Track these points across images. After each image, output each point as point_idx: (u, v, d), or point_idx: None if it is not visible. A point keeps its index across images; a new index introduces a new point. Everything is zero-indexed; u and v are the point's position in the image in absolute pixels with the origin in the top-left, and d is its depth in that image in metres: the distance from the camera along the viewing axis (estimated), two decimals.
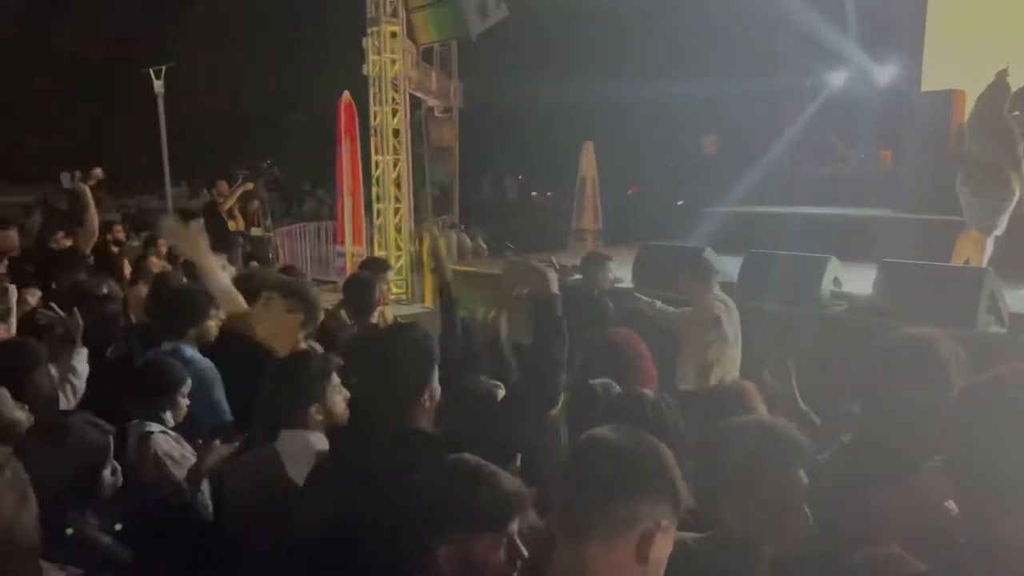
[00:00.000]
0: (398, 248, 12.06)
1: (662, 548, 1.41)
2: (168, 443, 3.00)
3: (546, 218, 17.15)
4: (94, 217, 5.55)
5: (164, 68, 15.16)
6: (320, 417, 2.65)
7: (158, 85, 15.15)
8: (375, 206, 12.13)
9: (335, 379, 2.72)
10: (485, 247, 14.83)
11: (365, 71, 11.80)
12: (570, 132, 16.04)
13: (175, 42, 23.01)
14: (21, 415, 2.63)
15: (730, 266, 7.12)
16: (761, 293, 6.64)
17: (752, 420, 2.05)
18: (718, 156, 16.50)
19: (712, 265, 5.42)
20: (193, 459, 2.96)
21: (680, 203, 16.86)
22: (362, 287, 4.45)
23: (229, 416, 3.44)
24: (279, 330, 3.07)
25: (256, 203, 10.95)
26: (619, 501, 1.40)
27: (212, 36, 27.75)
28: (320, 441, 2.58)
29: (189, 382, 3.24)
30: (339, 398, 2.71)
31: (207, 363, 3.57)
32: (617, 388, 2.78)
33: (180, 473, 2.92)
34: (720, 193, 12.57)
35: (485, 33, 12.54)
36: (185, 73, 17.38)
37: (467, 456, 1.80)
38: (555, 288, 2.39)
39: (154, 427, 3.03)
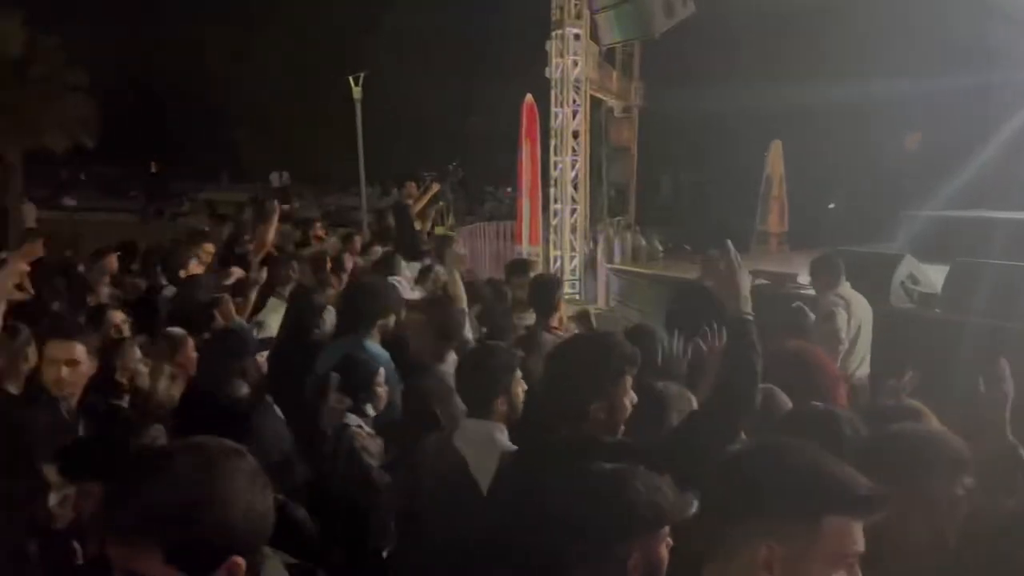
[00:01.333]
0: (572, 249, 12.15)
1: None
2: (363, 437, 3.18)
3: (726, 219, 16.60)
4: (268, 230, 5.86)
5: (362, 75, 16.14)
6: (504, 408, 2.70)
7: (356, 91, 16.15)
8: (552, 207, 12.29)
9: (519, 372, 2.79)
10: (661, 248, 14.59)
11: (547, 74, 11.98)
12: (755, 132, 15.44)
13: (372, 50, 24.50)
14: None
15: (933, 275, 6.57)
16: (969, 306, 6.08)
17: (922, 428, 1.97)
18: (920, 157, 15.25)
19: (839, 267, 5.15)
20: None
21: (831, 206, 15.70)
22: (546, 288, 4.51)
23: (399, 411, 3.57)
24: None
25: (441, 203, 11.43)
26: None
27: (403, 44, 29.28)
28: (501, 433, 2.65)
29: (383, 371, 3.38)
30: (520, 391, 2.78)
31: (386, 356, 3.70)
32: (784, 398, 2.65)
33: (374, 465, 3.09)
34: (922, 196, 11.61)
35: (669, 31, 12.34)
36: (381, 79, 18.40)
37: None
38: (747, 306, 2.28)
39: (352, 420, 3.20)
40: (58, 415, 3.27)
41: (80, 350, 3.23)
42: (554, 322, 4.41)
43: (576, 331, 4.58)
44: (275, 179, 29.64)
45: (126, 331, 4.14)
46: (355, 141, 16.68)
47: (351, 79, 16.38)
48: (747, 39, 19.73)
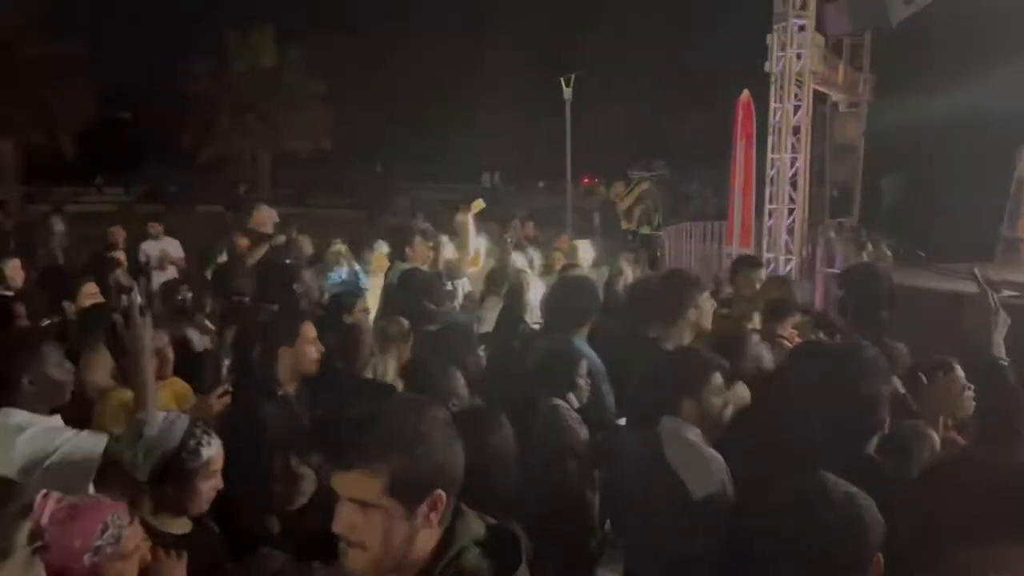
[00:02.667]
0: (788, 251, 11.54)
1: None
2: (573, 417, 3.26)
3: (966, 223, 14.98)
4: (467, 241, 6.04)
5: (573, 76, 16.33)
6: (693, 411, 2.73)
7: (567, 92, 16.37)
8: (766, 207, 11.74)
9: (716, 380, 2.77)
10: (889, 254, 13.45)
11: (767, 67, 11.45)
12: (1000, 131, 13.78)
13: (583, 50, 24.74)
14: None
15: None
16: None
17: None
18: None
19: None
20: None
21: None
22: (783, 289, 4.33)
23: (612, 407, 3.61)
24: None
25: (648, 202, 11.31)
26: None
27: (614, 43, 29.27)
28: (693, 434, 2.68)
29: (585, 363, 3.46)
30: (717, 400, 2.76)
31: (592, 353, 3.75)
32: None
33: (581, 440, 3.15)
34: None
35: (906, 21, 11.35)
36: (591, 78, 18.52)
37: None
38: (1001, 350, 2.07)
39: (562, 409, 3.27)
40: (290, 406, 3.54)
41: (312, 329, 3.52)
42: (784, 330, 4.15)
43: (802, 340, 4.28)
44: (486, 179, 30.81)
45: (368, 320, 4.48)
46: (563, 141, 16.98)
47: (562, 80, 16.68)
48: (992, 30, 17.67)
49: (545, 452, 3.02)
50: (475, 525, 1.53)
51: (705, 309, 3.88)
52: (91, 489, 2.67)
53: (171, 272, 8.82)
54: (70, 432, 2.65)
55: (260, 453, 2.75)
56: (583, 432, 3.20)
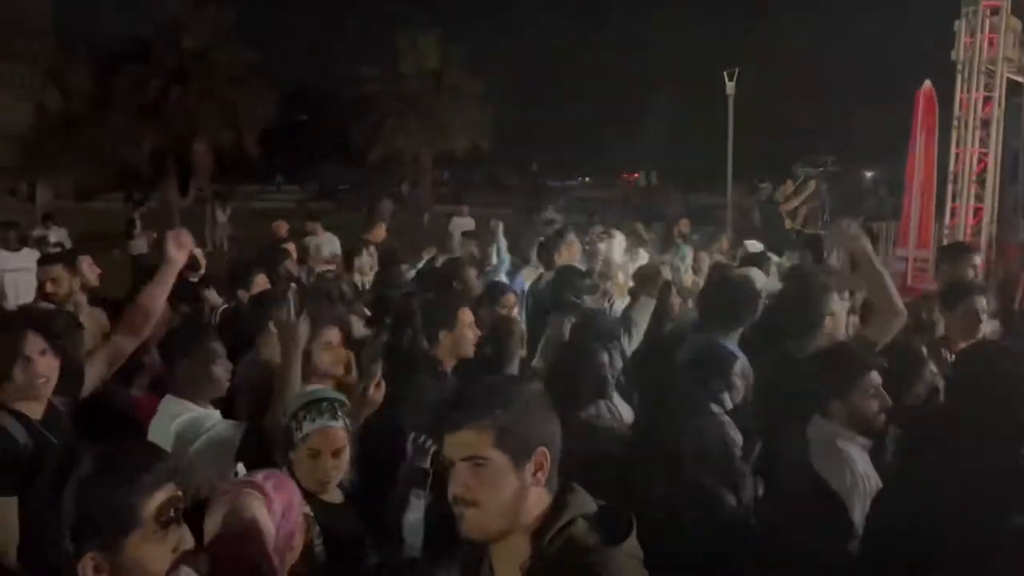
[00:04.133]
0: None
1: None
2: (729, 425, 3.13)
3: None
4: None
5: (736, 70, 15.78)
6: (842, 412, 2.68)
7: (730, 87, 15.84)
8: (948, 206, 10.83)
9: (870, 380, 2.70)
10: None
11: (953, 56, 10.55)
12: None
13: (747, 44, 23.84)
14: None
15: None
16: None
17: None
18: None
19: None
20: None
21: None
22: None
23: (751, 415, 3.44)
24: None
25: (816, 202, 10.73)
26: None
27: (782, 35, 28.00)
28: (837, 436, 2.64)
29: (740, 363, 3.32)
30: (872, 402, 2.69)
31: (744, 359, 3.56)
32: None
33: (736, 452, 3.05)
34: None
35: None
36: (755, 72, 17.85)
37: None
38: None
39: (715, 408, 3.17)
40: (441, 379, 3.70)
41: (470, 316, 3.69)
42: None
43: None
44: (642, 178, 30.41)
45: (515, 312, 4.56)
46: (725, 138, 16.44)
47: (725, 74, 16.16)
48: None
49: (698, 454, 2.94)
50: (587, 501, 1.60)
51: (838, 314, 3.65)
52: (241, 470, 2.89)
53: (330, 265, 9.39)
54: (215, 420, 2.92)
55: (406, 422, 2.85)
56: (736, 435, 3.08)
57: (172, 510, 1.49)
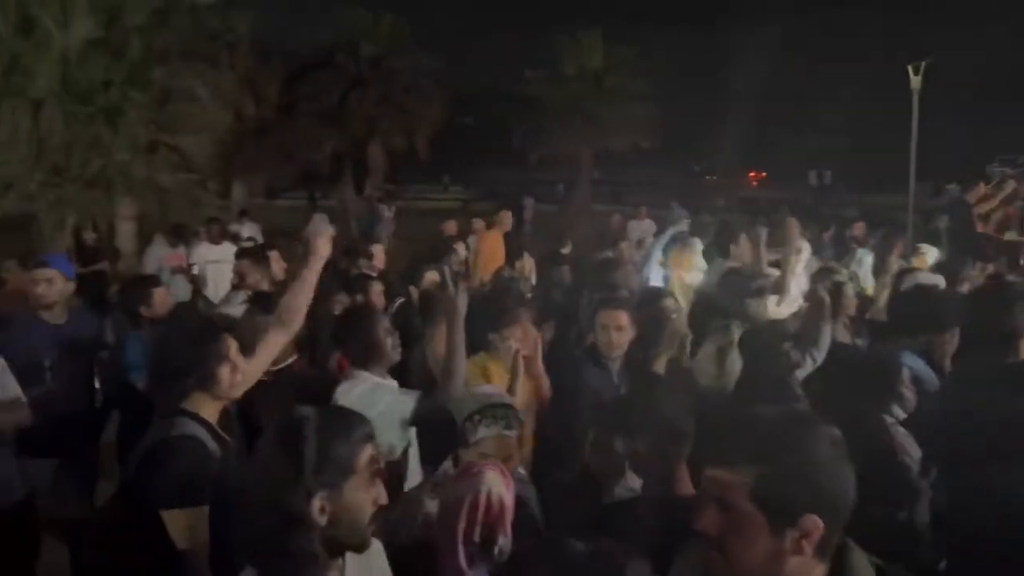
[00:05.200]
0: None
1: None
2: (903, 435, 3.02)
3: None
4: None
5: (923, 63, 14.71)
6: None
7: (915, 80, 14.79)
8: None
9: None
10: None
11: None
12: None
13: (933, 36, 22.10)
14: None
15: None
16: None
17: None
18: None
19: None
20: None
21: None
22: None
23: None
24: None
25: (1019, 203, 9.81)
26: None
27: (974, 23, 25.72)
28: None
29: (907, 372, 3.24)
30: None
31: (928, 370, 3.48)
32: None
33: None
34: None
35: None
36: (943, 64, 16.54)
37: None
38: None
39: (888, 419, 3.12)
40: (608, 376, 3.77)
41: (625, 318, 3.74)
42: None
43: None
44: (813, 177, 28.92)
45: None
46: (907, 136, 15.34)
47: (910, 68, 15.07)
48: None
49: (874, 466, 2.83)
50: (865, 567, 1.39)
51: None
52: (413, 438, 3.11)
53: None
54: (391, 391, 3.16)
55: (579, 418, 2.93)
56: (912, 447, 2.94)
57: (376, 465, 1.72)
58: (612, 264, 5.75)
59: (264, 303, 4.16)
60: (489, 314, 3.80)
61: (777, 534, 1.33)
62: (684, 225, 6.61)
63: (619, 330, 3.71)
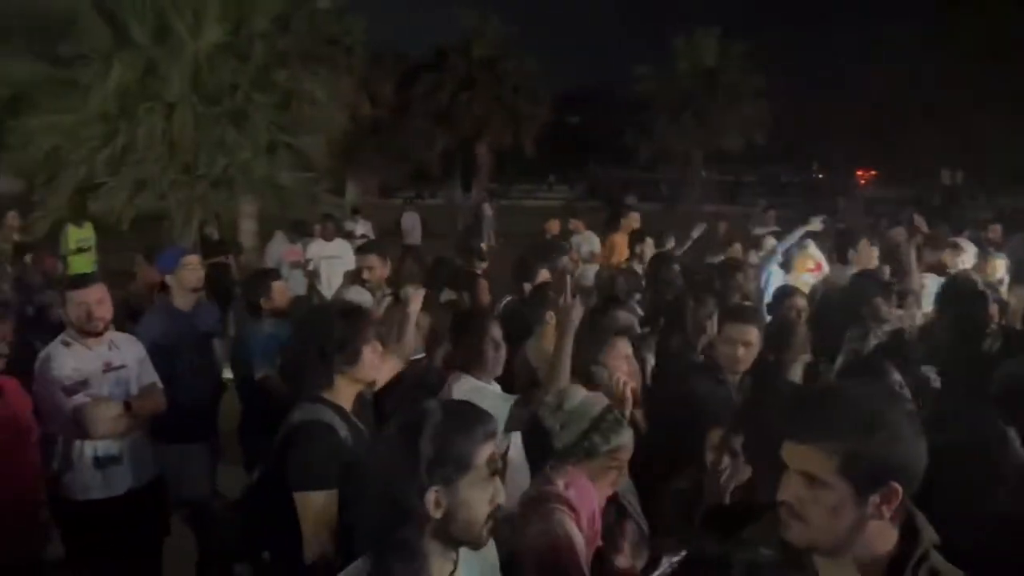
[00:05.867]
0: None
1: None
2: None
3: None
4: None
5: None
6: None
7: None
8: None
9: None
10: None
11: None
12: None
13: None
14: None
15: None
16: None
17: None
18: None
19: None
20: None
21: None
22: None
23: None
24: None
25: None
26: None
27: None
28: None
29: None
30: None
31: None
32: None
33: None
34: None
35: None
36: None
37: None
38: None
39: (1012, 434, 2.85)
40: (726, 389, 3.60)
41: (755, 334, 3.55)
42: None
43: None
44: (946, 177, 27.27)
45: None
46: None
47: None
48: None
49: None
50: (930, 528, 1.50)
51: None
52: (515, 440, 3.06)
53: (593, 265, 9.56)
54: (492, 394, 3.13)
55: (695, 426, 2.82)
56: None
57: (495, 464, 1.71)
58: (731, 267, 5.53)
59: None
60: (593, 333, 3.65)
61: (861, 501, 1.42)
62: (818, 225, 6.31)
63: (747, 346, 3.51)
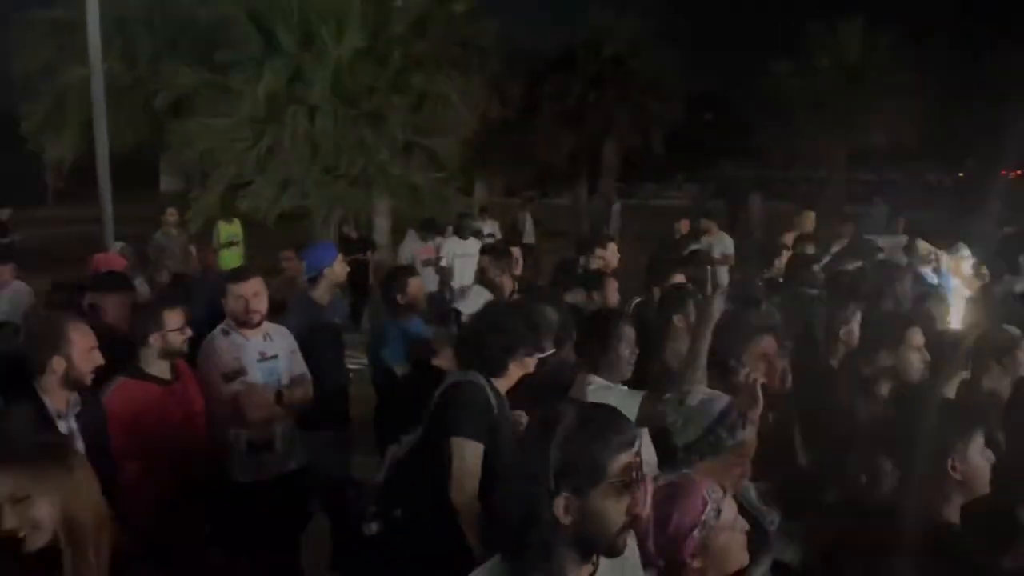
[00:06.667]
0: None
1: None
2: None
3: None
4: None
5: None
6: None
7: None
8: None
9: None
10: None
11: None
12: None
13: None
14: None
15: None
16: None
17: None
18: None
19: None
20: None
21: None
22: None
23: None
24: None
25: None
26: None
27: None
28: None
29: None
30: None
31: None
32: None
33: None
34: None
35: None
36: None
37: None
38: None
39: None
40: (876, 405, 3.44)
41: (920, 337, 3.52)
42: None
43: None
44: None
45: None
46: None
47: None
48: None
49: None
50: None
51: None
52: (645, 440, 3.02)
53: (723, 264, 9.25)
54: (618, 392, 3.16)
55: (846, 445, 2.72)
56: None
57: (632, 473, 1.64)
58: (891, 272, 5.23)
59: None
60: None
61: None
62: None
63: (917, 351, 3.44)
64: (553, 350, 3.68)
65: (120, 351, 3.49)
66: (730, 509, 2.01)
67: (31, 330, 3.20)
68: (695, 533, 1.92)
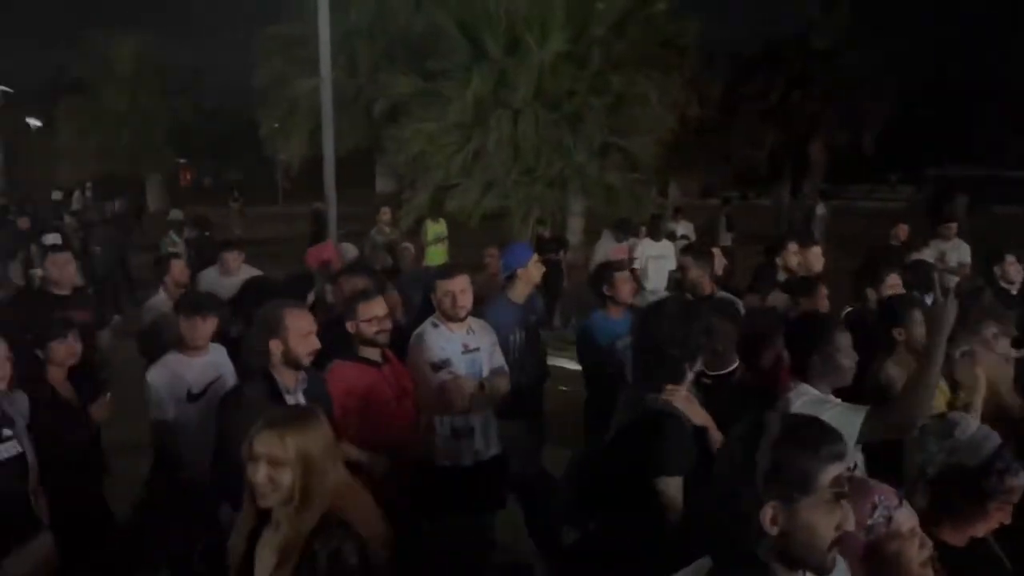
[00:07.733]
0: None
1: None
2: None
3: None
4: None
5: None
6: None
7: None
8: None
9: None
10: None
11: None
12: None
13: None
14: None
15: None
16: None
17: None
18: None
19: None
20: None
21: None
22: None
23: None
24: None
25: None
26: None
27: None
28: None
29: None
30: None
31: None
32: None
33: None
34: None
35: None
36: None
37: None
38: None
39: None
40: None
41: None
42: None
43: None
44: None
45: None
46: None
47: None
48: None
49: None
50: None
51: None
52: (860, 457, 2.85)
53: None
54: (836, 405, 2.96)
55: None
56: None
57: (841, 485, 1.59)
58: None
59: None
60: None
61: None
62: None
63: None
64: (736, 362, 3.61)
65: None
66: (908, 520, 1.90)
67: (256, 317, 3.54)
68: (860, 535, 1.86)
